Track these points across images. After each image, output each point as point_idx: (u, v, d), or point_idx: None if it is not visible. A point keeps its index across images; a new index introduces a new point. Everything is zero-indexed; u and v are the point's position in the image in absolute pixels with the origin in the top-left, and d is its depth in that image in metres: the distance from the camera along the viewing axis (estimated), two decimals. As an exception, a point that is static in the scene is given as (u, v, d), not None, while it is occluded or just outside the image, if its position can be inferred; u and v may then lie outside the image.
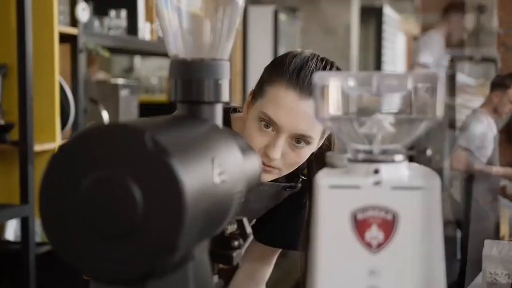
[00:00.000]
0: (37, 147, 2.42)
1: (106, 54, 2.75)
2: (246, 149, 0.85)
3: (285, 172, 1.30)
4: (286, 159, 1.27)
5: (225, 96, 0.83)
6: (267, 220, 1.47)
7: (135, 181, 0.61)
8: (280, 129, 1.24)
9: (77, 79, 2.65)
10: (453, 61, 4.79)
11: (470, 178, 4.44)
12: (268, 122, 1.24)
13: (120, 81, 3.18)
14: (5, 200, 2.43)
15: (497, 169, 4.42)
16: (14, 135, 2.40)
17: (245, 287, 1.54)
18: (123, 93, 3.07)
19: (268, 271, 1.58)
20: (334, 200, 0.69)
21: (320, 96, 0.72)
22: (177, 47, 0.83)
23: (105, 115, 2.93)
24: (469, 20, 4.60)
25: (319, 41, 5.05)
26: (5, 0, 2.44)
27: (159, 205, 0.61)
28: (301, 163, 1.30)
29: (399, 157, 0.72)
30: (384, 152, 0.72)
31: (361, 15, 6.34)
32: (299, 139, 1.25)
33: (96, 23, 2.94)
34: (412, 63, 4.58)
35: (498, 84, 4.48)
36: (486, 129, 4.40)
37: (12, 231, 2.63)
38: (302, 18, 5.51)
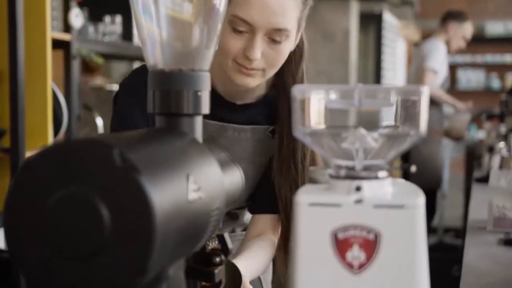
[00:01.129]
0: (29, 154, 2.39)
1: (99, 60, 2.73)
2: (226, 163, 0.83)
3: (270, 73, 1.27)
4: (267, 58, 1.24)
5: (205, 108, 0.80)
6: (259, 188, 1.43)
7: (103, 200, 0.58)
8: (254, 28, 1.20)
9: (70, 86, 2.62)
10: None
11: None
12: (240, 25, 1.21)
13: (116, 87, 3.16)
14: (-4, 208, 2.40)
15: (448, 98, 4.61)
16: (5, 142, 2.37)
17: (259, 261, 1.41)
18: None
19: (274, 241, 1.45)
20: (314, 219, 0.66)
21: (299, 109, 0.69)
22: (155, 57, 0.81)
23: (100, 122, 2.90)
24: (469, 29, 4.60)
25: (317, 46, 5.02)
26: (-3, 4, 2.42)
27: (127, 224, 0.58)
28: (283, 60, 1.27)
29: (382, 173, 0.69)
30: (367, 168, 0.69)
31: (360, 21, 6.32)
32: (276, 35, 1.21)
33: (91, 28, 2.92)
34: (417, 69, 4.56)
35: (452, 17, 4.57)
36: (444, 58, 4.53)
37: (2, 239, 2.60)
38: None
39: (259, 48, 1.21)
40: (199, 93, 0.79)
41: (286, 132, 1.34)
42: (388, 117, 0.69)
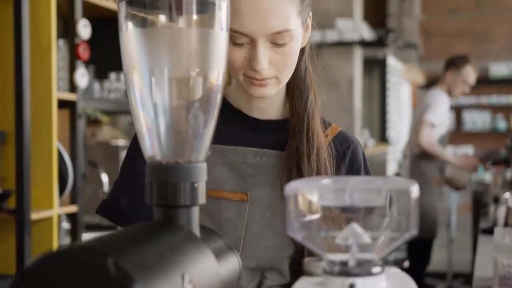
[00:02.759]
0: (34, 215, 2.40)
1: (104, 118, 2.76)
2: (223, 251, 0.83)
3: (284, 78, 1.19)
4: (276, 64, 1.16)
5: (201, 198, 0.81)
6: None
7: (98, 308, 0.59)
8: (252, 37, 1.12)
9: (75, 144, 2.65)
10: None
11: (421, 155, 4.51)
12: (239, 38, 1.13)
13: (121, 142, 3.19)
14: (0, 270, 2.41)
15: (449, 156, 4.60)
16: (11, 203, 2.39)
17: None
18: (124, 154, 3.06)
19: None
20: (308, 317, 0.67)
21: (292, 207, 0.70)
22: (153, 149, 0.82)
23: (105, 178, 2.92)
24: (469, 73, 4.62)
25: (322, 93, 5.06)
26: (4, 66, 2.46)
27: (122, 332, 0.58)
28: (295, 61, 1.19)
29: (376, 269, 0.69)
30: (360, 263, 0.70)
31: (364, 66, 6.38)
32: (278, 38, 1.13)
33: (96, 86, 2.96)
34: (417, 119, 4.58)
35: (450, 64, 4.58)
36: (446, 108, 4.52)
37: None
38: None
39: (264, 57, 1.13)
40: (195, 185, 0.80)
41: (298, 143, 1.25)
42: (380, 213, 0.70)
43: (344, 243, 0.70)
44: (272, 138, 1.28)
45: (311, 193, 0.70)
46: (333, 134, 1.31)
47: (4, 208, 2.36)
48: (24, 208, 2.35)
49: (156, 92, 0.81)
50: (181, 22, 0.79)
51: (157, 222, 0.79)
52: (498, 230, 1.91)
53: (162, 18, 0.85)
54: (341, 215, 0.72)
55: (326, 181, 0.73)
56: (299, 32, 1.17)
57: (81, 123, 2.66)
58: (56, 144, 2.50)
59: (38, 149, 2.46)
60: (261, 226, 1.22)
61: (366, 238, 0.70)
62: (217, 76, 0.83)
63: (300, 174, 1.22)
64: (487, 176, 7.74)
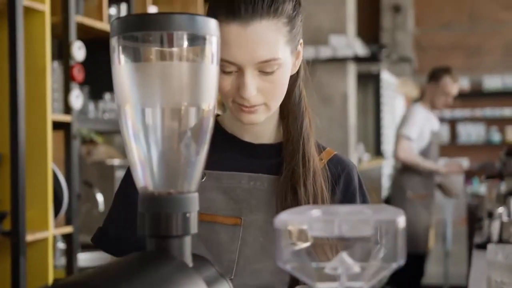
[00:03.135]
0: (30, 237, 2.40)
1: (99, 139, 2.77)
2: (215, 279, 0.84)
3: (273, 105, 1.20)
4: (264, 92, 1.17)
5: (193, 228, 0.83)
6: None
7: None
8: (240, 66, 1.14)
9: (70, 165, 2.66)
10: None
11: (403, 169, 4.49)
12: (227, 67, 1.14)
13: (116, 161, 3.20)
14: (-4, 292, 2.41)
15: (431, 165, 4.54)
16: (6, 225, 2.40)
17: None
18: (119, 174, 3.07)
19: None
20: None
21: (282, 239, 0.71)
22: (145, 180, 0.84)
23: (100, 198, 2.93)
24: (448, 84, 4.61)
25: (316, 110, 5.08)
26: (-1, 89, 2.47)
27: None
28: (284, 88, 1.20)
29: (365, 298, 0.71)
30: (349, 293, 0.71)
31: (358, 81, 6.40)
32: (266, 67, 1.15)
33: (91, 106, 2.97)
34: (396, 134, 4.63)
35: (431, 76, 4.60)
36: (424, 121, 4.52)
37: None
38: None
39: (252, 85, 1.15)
40: (187, 215, 0.82)
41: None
42: (369, 243, 0.72)
43: (334, 272, 0.71)
44: (266, 163, 1.29)
45: (301, 225, 0.71)
46: (327, 158, 1.32)
47: (-1, 230, 2.37)
48: (20, 230, 2.35)
49: (149, 125, 0.83)
50: (173, 56, 0.81)
51: (150, 253, 0.80)
52: (491, 247, 1.92)
53: (154, 52, 0.87)
54: (330, 245, 0.73)
55: (315, 212, 0.74)
56: (288, 60, 1.19)
57: (75, 144, 2.68)
58: (51, 165, 2.51)
59: (34, 170, 2.47)
60: (254, 250, 1.23)
61: (356, 267, 0.71)
62: (208, 107, 0.85)
63: (296, 199, 1.23)
64: (482, 188, 7.77)
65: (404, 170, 4.55)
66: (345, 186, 1.31)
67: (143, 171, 0.84)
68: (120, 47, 0.81)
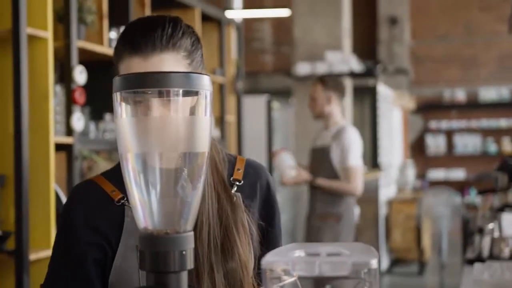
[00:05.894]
0: (33, 256, 2.48)
1: (100, 160, 2.86)
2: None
3: None
4: None
5: (190, 264, 0.91)
6: None
7: None
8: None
9: (72, 186, 2.74)
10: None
11: (313, 190, 4.02)
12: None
13: (116, 179, 3.27)
14: (1, 310, 2.49)
15: (322, 181, 3.94)
16: (10, 244, 2.47)
17: None
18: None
19: None
20: None
21: (267, 278, 0.80)
22: (145, 221, 0.92)
23: (101, 216, 3.00)
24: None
25: (313, 125, 5.16)
26: (3, 111, 2.56)
27: None
28: None
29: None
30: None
31: (355, 95, 6.49)
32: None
33: (92, 126, 3.06)
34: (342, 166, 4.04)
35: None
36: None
37: None
38: (296, 103, 5.66)
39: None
40: (184, 252, 0.90)
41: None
42: (347, 282, 0.80)
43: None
44: None
45: (285, 265, 0.79)
46: (242, 165, 1.37)
47: (3, 249, 2.45)
48: (23, 249, 2.43)
49: (148, 170, 0.91)
50: (170, 109, 0.89)
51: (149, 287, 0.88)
52: (478, 266, 1.99)
53: (153, 107, 0.96)
54: (312, 283, 0.82)
55: (298, 253, 0.82)
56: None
57: (77, 165, 2.76)
58: (53, 186, 2.59)
59: (37, 191, 2.55)
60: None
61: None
62: (203, 152, 0.93)
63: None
64: (478, 199, 7.84)
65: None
66: (266, 190, 1.37)
67: (143, 213, 0.92)
68: (123, 102, 0.89)
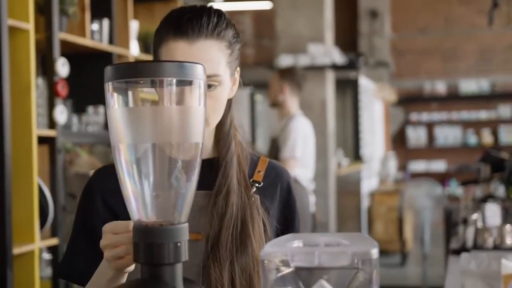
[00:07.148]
0: (16, 250, 2.45)
1: (83, 153, 2.83)
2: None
3: (212, 121, 1.26)
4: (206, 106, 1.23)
5: (184, 255, 0.90)
6: None
7: None
8: None
9: (55, 179, 2.71)
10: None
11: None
12: None
13: (99, 172, 3.23)
14: (-17, 306, 2.45)
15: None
16: (-7, 239, 2.44)
17: None
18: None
19: None
20: None
21: (266, 268, 0.79)
22: (139, 213, 0.91)
23: (84, 210, 2.97)
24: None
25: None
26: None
27: None
28: (223, 107, 1.27)
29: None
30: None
31: (337, 87, 6.50)
32: (209, 81, 1.20)
33: (75, 120, 3.02)
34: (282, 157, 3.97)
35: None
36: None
37: None
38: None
39: None
40: (178, 244, 0.89)
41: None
42: (346, 272, 0.79)
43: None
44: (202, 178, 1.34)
45: (284, 256, 0.78)
46: (264, 167, 1.37)
47: (-14, 244, 2.41)
48: (6, 243, 2.40)
49: (141, 161, 0.90)
50: (163, 99, 0.88)
51: (143, 280, 0.87)
52: (464, 256, 1.99)
53: (145, 97, 0.94)
54: (310, 273, 0.81)
55: (296, 243, 0.81)
56: (227, 81, 1.27)
57: (60, 158, 2.73)
58: (36, 179, 2.56)
59: (19, 185, 2.52)
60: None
61: (333, 293, 0.79)
62: (196, 143, 0.92)
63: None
64: (459, 190, 7.89)
65: None
66: (286, 193, 1.38)
67: (137, 205, 0.91)
68: (114, 92, 0.88)
